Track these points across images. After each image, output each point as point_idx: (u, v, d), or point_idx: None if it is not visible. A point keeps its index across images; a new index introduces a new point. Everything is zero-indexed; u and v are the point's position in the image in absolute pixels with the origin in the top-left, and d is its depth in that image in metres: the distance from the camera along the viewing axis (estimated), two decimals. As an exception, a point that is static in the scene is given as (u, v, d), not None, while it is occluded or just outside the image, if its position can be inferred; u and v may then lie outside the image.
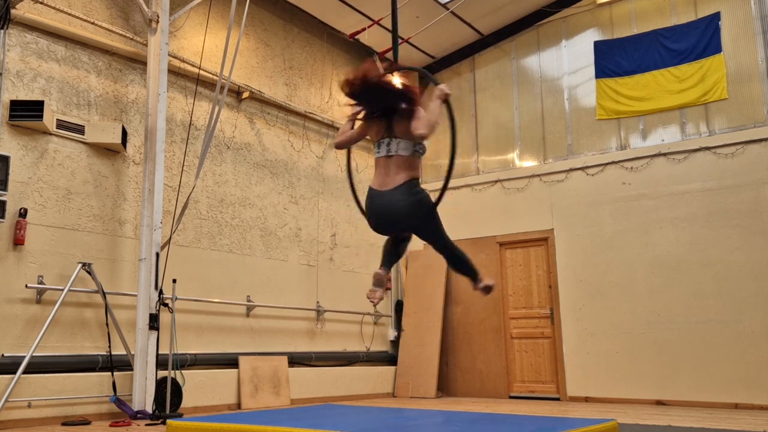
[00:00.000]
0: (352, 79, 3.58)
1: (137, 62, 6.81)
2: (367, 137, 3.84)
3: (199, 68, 7.10)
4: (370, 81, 3.55)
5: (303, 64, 8.87)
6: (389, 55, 9.44)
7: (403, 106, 3.58)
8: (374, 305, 3.96)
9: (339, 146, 3.88)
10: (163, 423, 5.39)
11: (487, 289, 4.01)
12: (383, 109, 3.63)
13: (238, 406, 7.04)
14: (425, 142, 3.71)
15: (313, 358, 8.18)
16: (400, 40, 9.14)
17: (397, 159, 3.58)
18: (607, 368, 8.08)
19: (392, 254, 3.90)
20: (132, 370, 6.00)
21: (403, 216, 3.56)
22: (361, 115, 3.79)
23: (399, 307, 9.72)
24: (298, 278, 8.30)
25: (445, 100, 3.61)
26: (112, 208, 6.43)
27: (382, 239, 3.98)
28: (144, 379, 5.90)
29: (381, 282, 3.74)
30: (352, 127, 3.88)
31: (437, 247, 3.84)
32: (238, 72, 7.72)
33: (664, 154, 8.08)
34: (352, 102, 3.73)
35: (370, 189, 3.64)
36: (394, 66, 3.96)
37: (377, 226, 3.67)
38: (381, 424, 4.07)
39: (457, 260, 3.89)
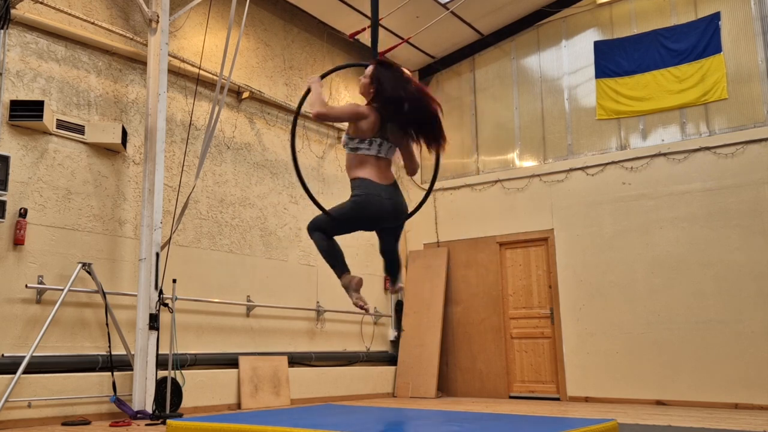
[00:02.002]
0: (413, 88, 3.47)
1: (137, 62, 6.81)
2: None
3: (199, 68, 7.10)
4: (423, 99, 3.48)
5: (303, 64, 8.87)
6: (390, 55, 9.47)
7: (422, 132, 3.52)
8: (368, 311, 3.87)
9: (323, 118, 3.57)
10: (163, 423, 5.39)
11: (399, 291, 4.04)
12: (408, 122, 3.49)
13: (238, 406, 7.04)
14: None
15: (313, 358, 8.18)
16: (399, 40, 9.20)
17: (385, 161, 3.57)
18: (607, 368, 8.08)
19: (341, 253, 3.75)
20: (132, 370, 6.00)
21: (400, 212, 3.58)
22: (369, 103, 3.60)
23: (399, 307, 9.72)
24: (298, 278, 8.30)
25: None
26: (112, 208, 6.43)
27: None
28: (144, 379, 5.90)
29: (360, 285, 3.66)
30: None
31: (389, 248, 3.81)
32: (238, 72, 7.72)
33: (664, 154, 8.08)
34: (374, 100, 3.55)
35: (371, 181, 3.49)
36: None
37: (377, 218, 3.55)
38: (381, 424, 4.07)
39: (395, 263, 3.89)
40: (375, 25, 4.19)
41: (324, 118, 3.58)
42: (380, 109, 3.50)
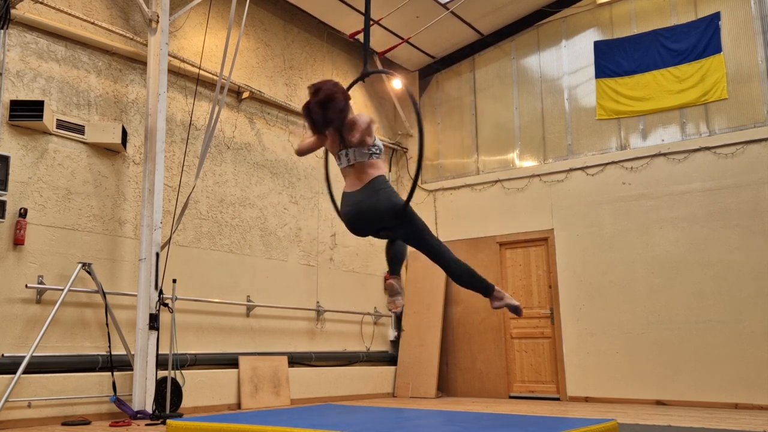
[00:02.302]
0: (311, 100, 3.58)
1: (137, 62, 6.81)
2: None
3: (199, 68, 7.10)
4: (317, 100, 3.54)
5: (303, 64, 8.87)
6: (390, 55, 9.48)
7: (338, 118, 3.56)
8: (398, 314, 4.15)
9: (300, 153, 3.92)
10: (163, 423, 5.40)
11: (515, 310, 3.88)
12: (328, 124, 3.59)
13: (238, 406, 7.04)
14: (378, 143, 3.71)
15: (313, 358, 8.18)
16: (399, 40, 9.20)
17: (358, 165, 3.64)
18: (607, 368, 8.08)
19: (395, 258, 3.98)
20: (132, 370, 6.00)
21: (372, 212, 3.57)
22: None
23: (399, 307, 9.71)
24: (298, 278, 8.30)
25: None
26: (112, 208, 6.43)
27: (383, 240, 4.02)
28: (144, 379, 5.90)
29: (395, 290, 3.92)
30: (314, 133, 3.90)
31: (426, 252, 3.75)
32: (238, 72, 7.72)
33: (664, 154, 8.08)
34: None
35: (343, 193, 3.73)
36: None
37: (351, 225, 3.70)
38: (381, 424, 4.07)
39: (458, 269, 3.82)
40: (367, 26, 4.28)
41: (300, 154, 3.96)
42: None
